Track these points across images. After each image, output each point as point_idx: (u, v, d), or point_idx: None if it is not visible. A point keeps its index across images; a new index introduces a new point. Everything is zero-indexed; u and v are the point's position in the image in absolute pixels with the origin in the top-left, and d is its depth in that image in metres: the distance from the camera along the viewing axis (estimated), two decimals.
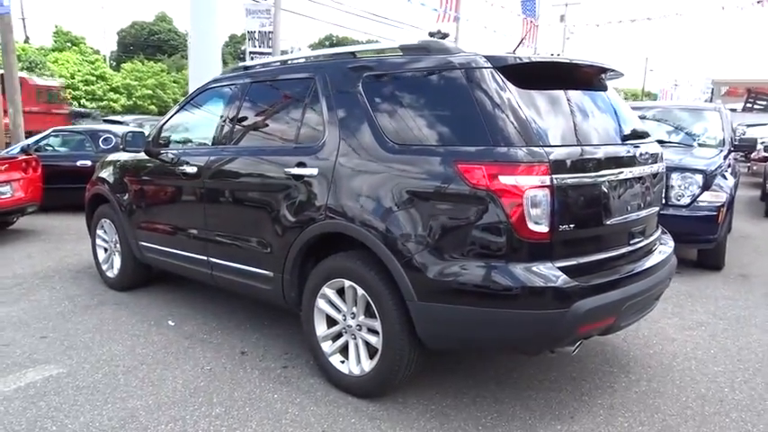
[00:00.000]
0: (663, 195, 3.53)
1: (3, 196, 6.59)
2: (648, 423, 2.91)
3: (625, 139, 3.06)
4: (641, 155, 2.98)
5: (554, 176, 2.53)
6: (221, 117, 3.95)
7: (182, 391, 3.19)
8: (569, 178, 2.59)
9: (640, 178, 3.02)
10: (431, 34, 25.79)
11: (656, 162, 3.19)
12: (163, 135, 4.45)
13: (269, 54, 14.14)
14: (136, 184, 4.61)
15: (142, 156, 4.48)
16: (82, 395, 3.14)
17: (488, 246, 2.59)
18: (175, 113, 4.48)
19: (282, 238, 3.35)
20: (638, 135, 3.23)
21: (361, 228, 2.91)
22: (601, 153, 2.77)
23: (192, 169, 3.97)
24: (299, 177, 3.25)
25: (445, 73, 2.83)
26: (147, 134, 4.64)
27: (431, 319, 2.76)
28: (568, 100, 2.89)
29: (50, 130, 9.18)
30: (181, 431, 2.80)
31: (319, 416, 2.94)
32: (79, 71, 44.21)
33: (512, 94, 2.67)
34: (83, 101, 35.93)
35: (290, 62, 3.77)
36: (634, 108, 7.56)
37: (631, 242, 3.00)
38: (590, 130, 2.88)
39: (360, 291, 2.99)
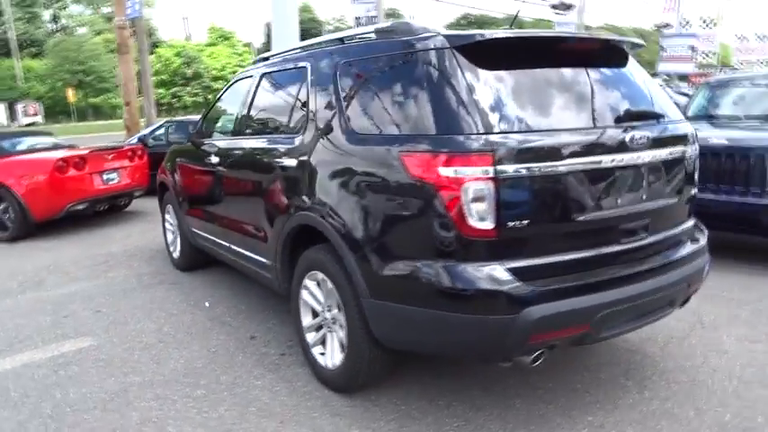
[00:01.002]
0: (694, 183, 2.98)
1: (111, 182, 7.38)
2: None
3: (622, 120, 2.63)
4: (635, 139, 2.55)
5: (500, 167, 2.26)
6: (239, 107, 4.06)
7: (178, 370, 3.38)
8: (522, 169, 2.29)
9: (636, 166, 2.59)
10: (553, 6, 24.40)
11: (667, 146, 2.72)
12: (205, 125, 4.69)
13: None
14: (184, 172, 4.92)
15: (189, 146, 4.77)
16: (96, 368, 3.45)
17: (432, 243, 2.39)
18: (214, 104, 4.69)
19: (273, 227, 3.39)
20: (646, 115, 2.77)
21: (324, 221, 2.85)
22: (571, 138, 2.41)
23: (215, 159, 4.15)
24: (284, 168, 3.26)
25: (404, 57, 2.64)
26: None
27: (383, 317, 2.63)
28: (546, 79, 2.56)
29: (164, 120, 10.08)
30: (157, 409, 2.97)
31: (286, 406, 2.95)
32: (229, 63, 48.01)
33: (467, 75, 2.41)
34: None
35: (293, 51, 3.75)
36: (738, 80, 6.57)
37: (624, 240, 2.60)
38: (566, 114, 2.52)
39: (329, 284, 2.93)
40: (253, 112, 3.90)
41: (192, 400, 3.04)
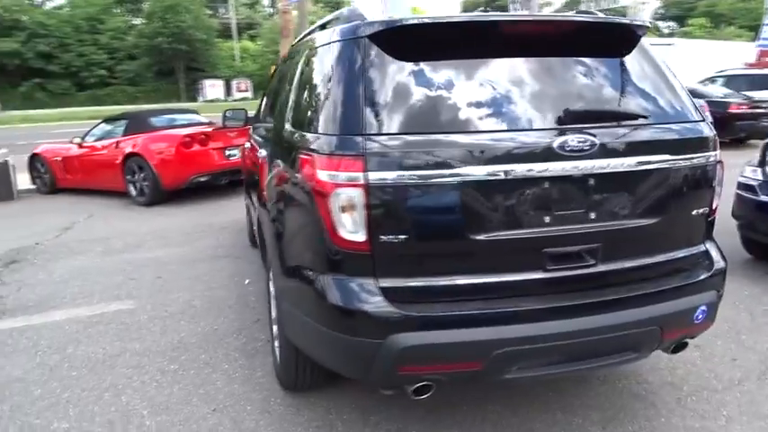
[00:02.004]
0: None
1: (232, 158, 8.02)
2: None
3: (566, 122, 2.14)
4: (568, 145, 2.05)
5: (373, 174, 1.99)
6: (271, 92, 4.15)
7: (173, 343, 3.61)
8: (400, 177, 2.00)
9: (573, 178, 2.10)
10: None
11: (637, 154, 2.16)
12: (261, 110, 4.86)
13: None
14: (247, 156, 5.16)
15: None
16: (116, 330, 3.84)
17: (313, 252, 2.23)
18: (267, 90, 4.82)
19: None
20: (612, 116, 2.21)
21: (268, 219, 2.82)
22: (472, 143, 2.03)
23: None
24: (264, 158, 3.26)
25: (328, 48, 2.44)
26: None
27: (288, 322, 2.54)
28: (471, 72, 2.18)
29: None
30: (128, 377, 3.21)
31: (231, 395, 2.99)
32: None
33: (370, 68, 2.14)
34: None
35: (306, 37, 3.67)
36: None
37: (553, 267, 2.14)
38: (484, 114, 2.11)
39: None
40: (271, 98, 4.01)
41: (160, 374, 3.23)
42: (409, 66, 2.15)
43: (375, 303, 2.04)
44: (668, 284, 2.28)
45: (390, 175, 2.00)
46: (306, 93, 2.58)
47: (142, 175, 7.88)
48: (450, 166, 2.00)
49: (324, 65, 2.39)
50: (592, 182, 2.14)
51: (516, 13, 2.10)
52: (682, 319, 2.28)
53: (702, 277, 2.35)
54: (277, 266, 2.55)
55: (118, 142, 8.15)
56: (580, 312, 2.15)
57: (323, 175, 2.08)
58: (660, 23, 54.98)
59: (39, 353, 3.54)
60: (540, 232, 2.11)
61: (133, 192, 8.01)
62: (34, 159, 9.22)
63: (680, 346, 2.45)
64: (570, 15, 2.50)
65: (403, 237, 2.04)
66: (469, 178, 2.01)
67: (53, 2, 49.49)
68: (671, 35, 46.83)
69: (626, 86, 2.32)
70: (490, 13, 2.28)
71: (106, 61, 46.91)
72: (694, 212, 2.35)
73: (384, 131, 2.04)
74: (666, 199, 2.26)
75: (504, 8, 35.31)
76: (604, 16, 2.38)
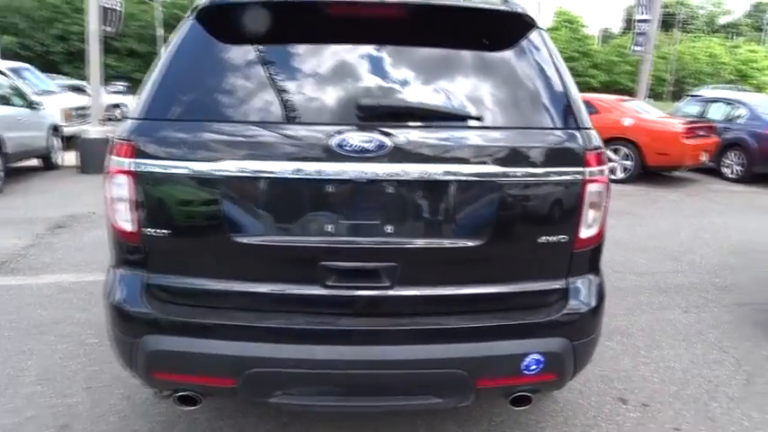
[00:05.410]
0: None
1: None
2: None
3: (359, 118, 1.83)
4: (349, 145, 1.75)
5: (140, 161, 1.86)
6: None
7: None
8: (164, 166, 1.84)
9: (361, 182, 1.79)
10: None
11: (455, 162, 1.80)
12: None
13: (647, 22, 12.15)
14: None
15: None
16: (78, 298, 4.03)
17: (110, 239, 2.13)
18: None
19: None
20: (417, 114, 1.87)
21: None
22: (241, 134, 1.82)
23: None
24: None
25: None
26: None
27: None
28: (281, 58, 1.96)
29: None
30: (83, 345, 3.32)
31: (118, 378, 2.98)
32: (566, 48, 46.72)
33: (183, 51, 2.00)
34: None
35: None
36: None
37: (334, 284, 1.86)
38: (265, 104, 1.86)
39: None
40: None
41: (76, 345, 3.34)
42: (218, 49, 1.98)
43: (133, 300, 1.92)
44: (486, 322, 1.89)
45: (156, 164, 1.85)
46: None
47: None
48: (213, 159, 1.81)
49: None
50: (390, 190, 1.82)
51: None
52: (500, 366, 1.88)
53: (540, 320, 1.91)
54: None
55: None
56: (363, 340, 1.85)
57: (108, 160, 1.99)
58: None
59: (20, 312, 3.76)
60: (318, 242, 1.84)
61: None
62: None
63: (521, 399, 2.02)
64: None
65: (166, 231, 1.88)
66: (235, 174, 1.80)
67: None
68: None
69: (471, 84, 1.95)
70: None
71: None
72: (543, 239, 1.91)
73: (162, 117, 1.89)
74: (496, 219, 1.86)
75: None
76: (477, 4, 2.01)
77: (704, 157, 9.82)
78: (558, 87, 1.97)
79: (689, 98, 12.75)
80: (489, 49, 2.00)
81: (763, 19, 53.50)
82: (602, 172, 1.96)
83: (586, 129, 1.95)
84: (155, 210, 1.88)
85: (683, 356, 3.35)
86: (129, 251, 1.96)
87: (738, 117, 10.66)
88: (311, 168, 1.78)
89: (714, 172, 10.51)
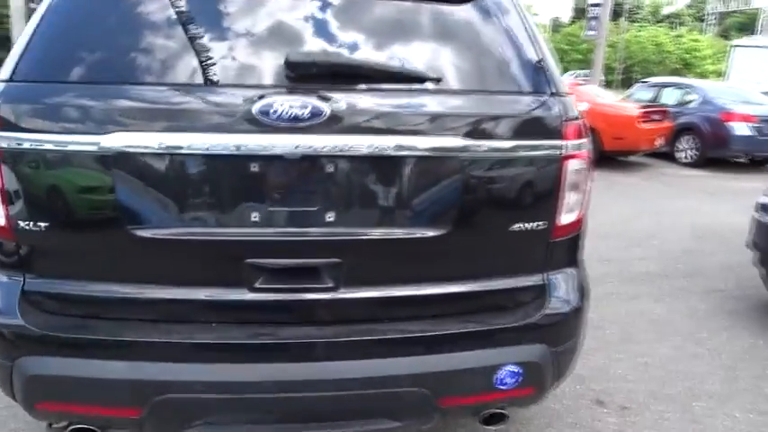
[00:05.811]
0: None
1: None
2: None
3: (289, 79, 1.45)
4: (275, 112, 1.38)
5: (5, 134, 1.43)
6: None
7: None
8: (39, 141, 1.42)
9: (293, 161, 1.43)
10: None
11: (382, 134, 1.45)
12: None
13: None
14: None
15: None
16: None
17: None
18: None
19: None
20: (365, 74, 1.50)
21: None
22: (142, 97, 1.41)
23: None
24: None
25: None
26: None
27: None
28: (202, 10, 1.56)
29: None
30: None
31: None
32: None
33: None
34: None
35: None
36: None
37: (261, 286, 1.49)
38: (171, 60, 1.46)
39: None
40: None
41: None
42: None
43: (6, 311, 1.50)
44: (450, 329, 1.55)
45: (28, 138, 1.42)
46: None
47: None
48: (101, 132, 1.39)
49: None
50: (330, 169, 1.45)
51: None
52: (468, 381, 1.56)
53: (514, 323, 1.60)
54: None
55: None
56: (301, 355, 1.50)
57: None
58: None
59: None
60: (241, 234, 1.47)
61: None
62: None
63: (494, 417, 1.70)
64: None
65: (46, 224, 1.46)
66: (130, 150, 1.40)
67: None
68: None
69: (427, 40, 1.60)
70: None
71: None
72: (516, 227, 1.59)
73: (37, 78, 1.46)
74: (459, 203, 1.52)
75: None
76: None
77: (659, 142, 9.81)
78: (528, 45, 1.64)
79: (639, 84, 12.80)
80: (449, 0, 1.66)
81: (704, 10, 55.10)
82: (582, 146, 1.66)
83: (562, 95, 1.63)
84: (30, 197, 1.46)
85: (659, 351, 3.11)
86: (6, 249, 1.53)
87: (690, 102, 10.69)
88: (228, 142, 1.39)
89: (668, 156, 10.52)
